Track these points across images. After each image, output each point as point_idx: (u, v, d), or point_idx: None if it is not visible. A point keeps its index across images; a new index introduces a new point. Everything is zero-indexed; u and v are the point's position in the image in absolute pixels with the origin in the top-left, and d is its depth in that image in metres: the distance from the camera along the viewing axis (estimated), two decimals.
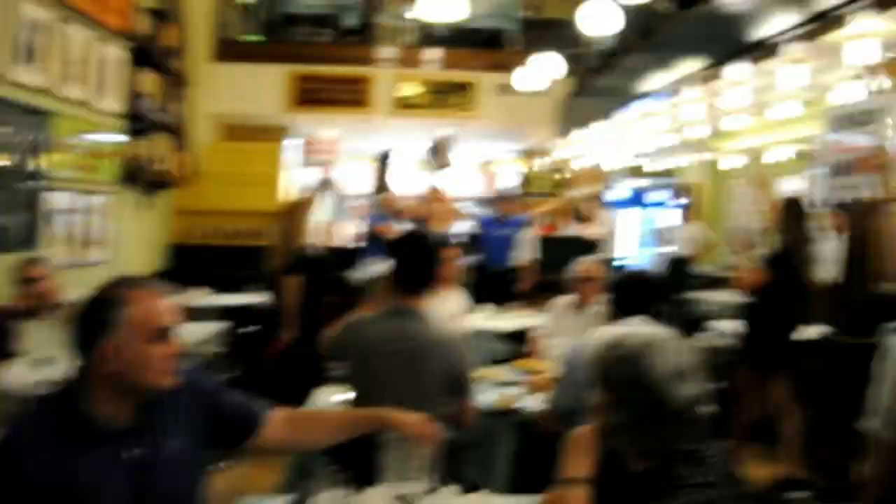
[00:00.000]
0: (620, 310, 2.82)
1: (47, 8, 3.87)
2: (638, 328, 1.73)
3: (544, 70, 6.68)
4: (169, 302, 1.71)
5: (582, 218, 8.11)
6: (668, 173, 11.93)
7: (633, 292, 2.84)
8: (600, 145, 8.67)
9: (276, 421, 1.91)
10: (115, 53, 4.65)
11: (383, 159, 6.04)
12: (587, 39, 7.93)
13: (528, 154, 10.56)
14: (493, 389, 3.39)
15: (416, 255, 2.68)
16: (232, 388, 1.91)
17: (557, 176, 9.18)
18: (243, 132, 8.57)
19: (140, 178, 5.84)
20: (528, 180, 9.41)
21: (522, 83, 7.12)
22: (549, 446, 2.80)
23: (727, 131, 8.20)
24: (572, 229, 7.89)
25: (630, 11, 5.85)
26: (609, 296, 2.93)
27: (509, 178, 10.13)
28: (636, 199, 12.63)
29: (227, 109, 8.26)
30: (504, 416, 3.06)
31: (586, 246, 8.75)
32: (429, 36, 9.07)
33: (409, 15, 9.29)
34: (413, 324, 2.59)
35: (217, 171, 7.30)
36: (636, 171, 12.29)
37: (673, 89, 5.88)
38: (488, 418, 3.04)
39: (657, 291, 2.93)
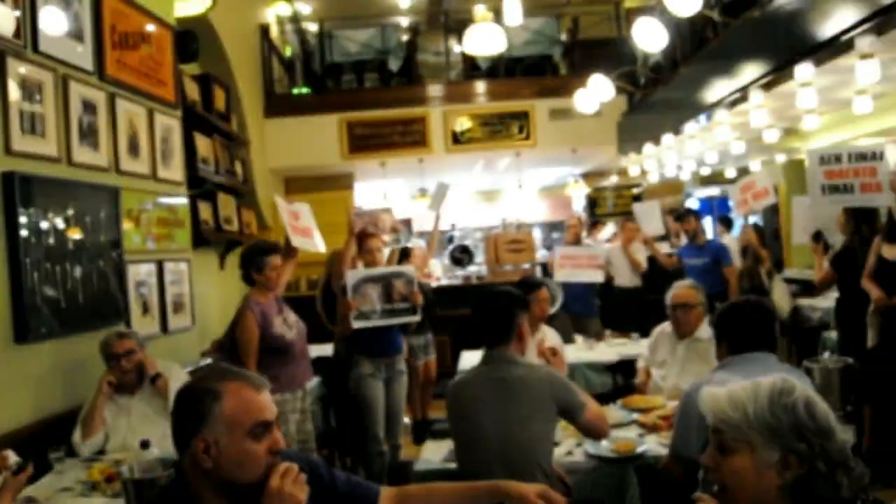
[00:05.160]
0: (737, 346, 2.60)
1: (97, 88, 3.94)
2: (771, 370, 1.55)
3: (593, 92, 6.55)
4: (266, 394, 1.60)
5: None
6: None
7: (750, 325, 2.62)
8: (670, 158, 8.47)
9: (389, 499, 1.83)
10: (169, 122, 4.72)
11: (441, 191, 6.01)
12: (635, 56, 7.82)
13: (594, 175, 10.41)
14: None
15: (489, 311, 2.74)
16: (341, 471, 1.82)
17: (633, 192, 8.97)
18: (306, 183, 8.65)
19: (212, 240, 5.89)
20: (595, 202, 9.22)
21: (576, 106, 6.98)
22: (677, 491, 2.63)
23: (803, 131, 7.94)
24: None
25: (682, 24, 5.71)
26: (719, 329, 2.70)
27: (577, 201, 9.96)
28: (708, 208, 12.37)
29: (285, 163, 8.37)
30: (626, 461, 2.85)
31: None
32: (474, 69, 9.06)
33: (452, 50, 9.33)
34: (504, 367, 2.64)
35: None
36: (711, 179, 12.06)
37: (738, 96, 5.67)
38: (610, 466, 2.86)
39: (773, 322, 2.69)
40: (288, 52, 9.32)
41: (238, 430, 1.53)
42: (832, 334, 5.21)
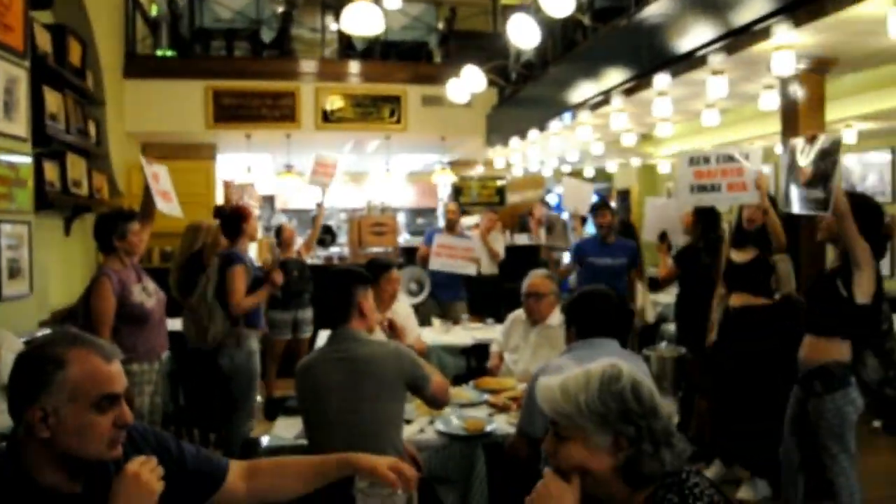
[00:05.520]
0: (584, 331, 2.76)
1: None
2: (612, 356, 1.66)
3: (466, 82, 6.67)
4: (116, 366, 1.52)
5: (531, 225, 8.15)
6: (601, 178, 12.25)
7: (598, 312, 2.78)
8: (534, 153, 8.76)
9: (237, 475, 1.80)
10: (15, 72, 4.36)
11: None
12: (508, 51, 8.03)
13: (460, 165, 10.59)
14: (456, 411, 3.30)
15: (329, 289, 2.78)
16: (190, 444, 1.78)
17: (497, 183, 9.19)
18: (165, 150, 8.22)
19: (57, 204, 5.51)
20: (460, 190, 9.39)
21: (448, 95, 7.08)
22: (522, 470, 2.76)
23: (657, 137, 8.44)
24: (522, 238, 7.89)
25: (554, 25, 5.92)
26: (569, 315, 2.85)
27: (443, 188, 10.09)
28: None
29: (145, 128, 7.94)
30: (475, 439, 2.96)
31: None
32: (349, 48, 8.96)
33: (328, 28, 9.18)
34: (350, 345, 2.67)
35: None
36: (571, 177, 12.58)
37: (601, 99, 5.95)
38: (460, 443, 2.95)
39: (621, 311, 2.87)
40: (154, 11, 8.82)
41: (81, 401, 1.45)
42: (670, 326, 5.62)
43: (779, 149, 7.38)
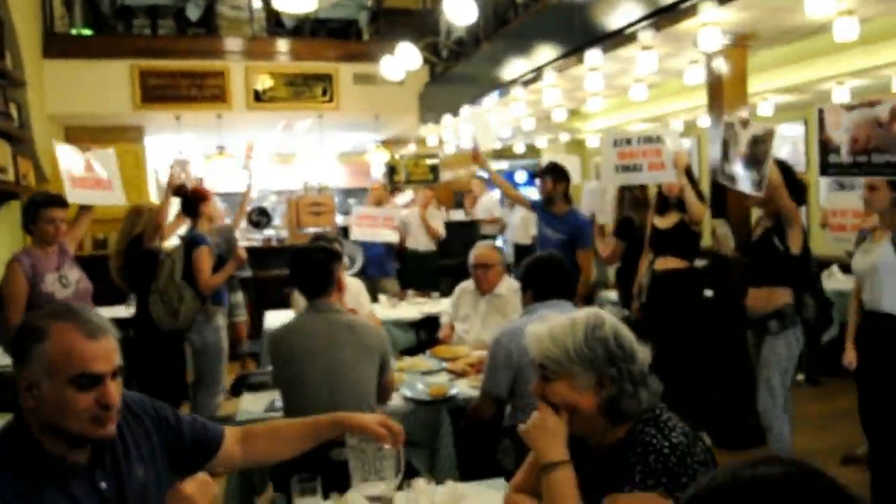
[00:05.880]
0: (541, 294, 2.92)
1: None
2: (576, 310, 1.81)
3: (400, 60, 6.72)
4: (103, 343, 1.49)
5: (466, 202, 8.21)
6: (531, 154, 12.49)
7: (552, 276, 2.95)
8: (467, 130, 8.86)
9: (232, 440, 1.85)
10: None
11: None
12: (439, 28, 8.10)
13: (392, 143, 10.62)
14: (419, 378, 3.42)
15: (309, 264, 2.89)
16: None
17: (430, 161, 9.28)
18: (90, 133, 7.98)
19: None
20: (394, 169, 9.45)
21: (381, 73, 7.12)
22: (485, 430, 2.91)
23: (585, 112, 8.68)
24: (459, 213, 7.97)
25: (487, 2, 6.03)
26: (525, 280, 3.01)
27: (377, 168, 10.12)
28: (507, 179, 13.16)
29: (68, 110, 7.68)
30: (439, 404, 3.09)
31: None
32: (279, 26, 8.86)
33: (254, 4, 9.03)
34: (331, 315, 2.82)
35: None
36: (501, 154, 12.78)
37: (533, 76, 6.11)
38: (426, 408, 3.08)
39: (570, 275, 3.06)
40: None
41: (58, 377, 1.45)
42: (610, 294, 5.89)
43: (701, 122, 7.74)
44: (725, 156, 3.87)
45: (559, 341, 1.63)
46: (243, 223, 9.92)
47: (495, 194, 9.65)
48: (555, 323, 1.69)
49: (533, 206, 5.56)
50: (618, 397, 1.60)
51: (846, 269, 4.96)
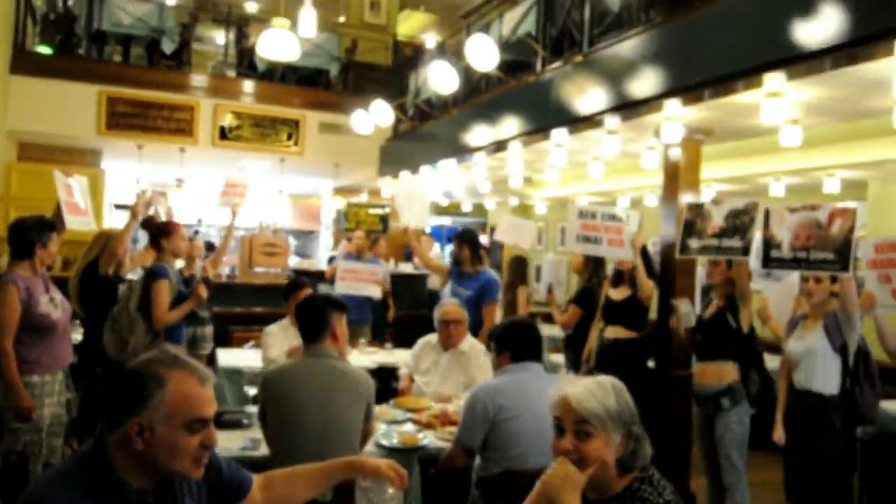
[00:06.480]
0: (517, 355, 3.12)
1: None
2: (542, 378, 1.97)
3: (373, 115, 6.97)
4: (210, 389, 1.62)
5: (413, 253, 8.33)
6: (477, 212, 12.83)
7: (527, 339, 3.16)
8: (424, 185, 9.13)
9: (257, 484, 1.96)
10: None
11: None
12: (407, 86, 8.42)
13: (346, 190, 10.80)
14: (389, 427, 3.59)
15: (307, 310, 3.08)
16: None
17: (381, 211, 9.49)
18: (43, 152, 7.92)
19: None
20: (345, 216, 9.61)
21: (349, 124, 7.34)
22: (453, 480, 3.08)
23: (538, 180, 9.06)
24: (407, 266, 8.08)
25: (459, 71, 6.38)
26: (501, 341, 3.20)
27: (327, 213, 10.26)
28: (438, 235, 13.43)
29: (28, 127, 7.62)
30: (411, 452, 3.25)
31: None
32: (250, 68, 9.03)
33: (231, 45, 9.19)
34: (326, 360, 2.99)
35: (22, 195, 6.72)
36: (446, 210, 13.08)
37: (497, 146, 6.43)
38: (398, 455, 3.22)
39: (541, 337, 3.29)
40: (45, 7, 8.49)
41: (176, 422, 1.55)
42: (554, 357, 6.19)
43: (647, 200, 8.23)
44: (689, 233, 4.31)
45: (601, 402, 1.82)
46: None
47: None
48: (587, 386, 1.87)
49: (449, 271, 6.05)
50: (634, 451, 1.82)
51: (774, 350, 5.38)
